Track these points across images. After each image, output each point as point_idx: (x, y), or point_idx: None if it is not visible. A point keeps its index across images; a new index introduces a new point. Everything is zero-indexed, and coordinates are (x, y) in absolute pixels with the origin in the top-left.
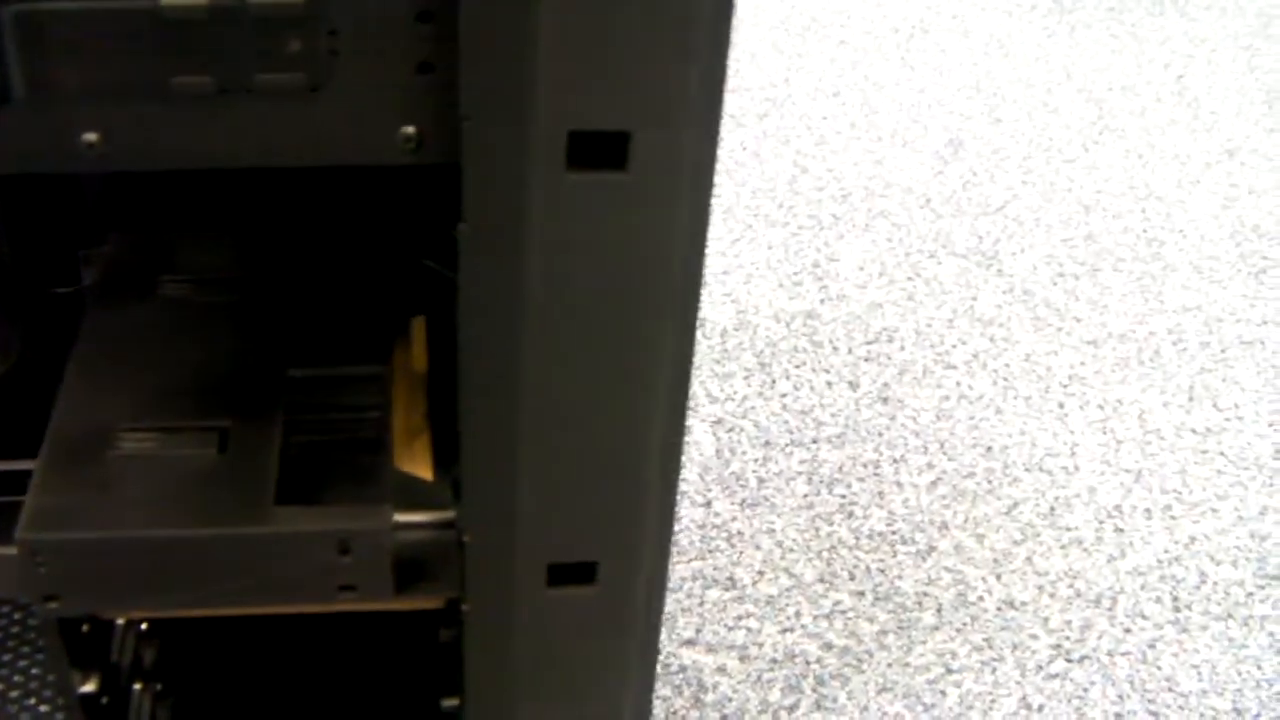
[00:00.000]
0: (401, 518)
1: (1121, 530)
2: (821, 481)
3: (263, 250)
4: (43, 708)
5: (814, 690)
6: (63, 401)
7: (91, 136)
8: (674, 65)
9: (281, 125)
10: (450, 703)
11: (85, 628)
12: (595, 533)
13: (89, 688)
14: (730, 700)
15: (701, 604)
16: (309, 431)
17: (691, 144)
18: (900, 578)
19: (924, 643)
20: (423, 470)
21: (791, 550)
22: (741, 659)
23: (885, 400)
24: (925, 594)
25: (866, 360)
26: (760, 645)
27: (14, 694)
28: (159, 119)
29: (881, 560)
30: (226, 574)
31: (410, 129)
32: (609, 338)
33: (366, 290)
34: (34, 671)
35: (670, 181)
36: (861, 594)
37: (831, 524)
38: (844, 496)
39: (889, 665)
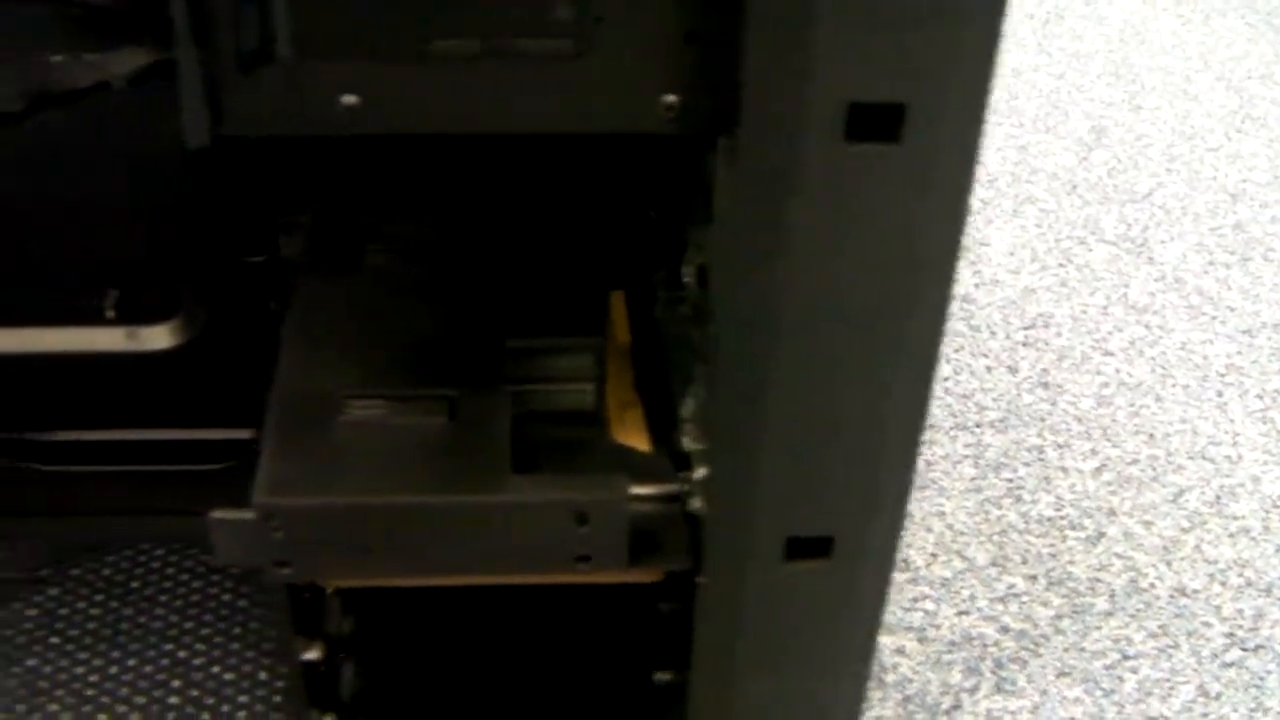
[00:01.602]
0: (636, 490)
1: None
2: (988, 465)
3: (462, 220)
4: (261, 674)
5: (993, 673)
6: (284, 369)
7: (351, 99)
8: (950, 36)
9: (542, 91)
10: (664, 675)
11: (306, 595)
12: (834, 507)
13: (312, 655)
14: (911, 681)
15: None
16: (528, 401)
17: (962, 117)
18: (1072, 563)
19: (1099, 628)
20: (639, 442)
21: (963, 534)
22: (920, 640)
23: (1045, 385)
24: (1097, 580)
25: (1024, 345)
26: (938, 627)
27: (217, 666)
28: (419, 83)
29: (1052, 545)
30: (462, 542)
31: (672, 98)
32: (867, 310)
33: (568, 260)
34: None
35: (941, 154)
36: (1034, 578)
37: (1000, 508)
38: (1010, 481)
39: (1065, 650)
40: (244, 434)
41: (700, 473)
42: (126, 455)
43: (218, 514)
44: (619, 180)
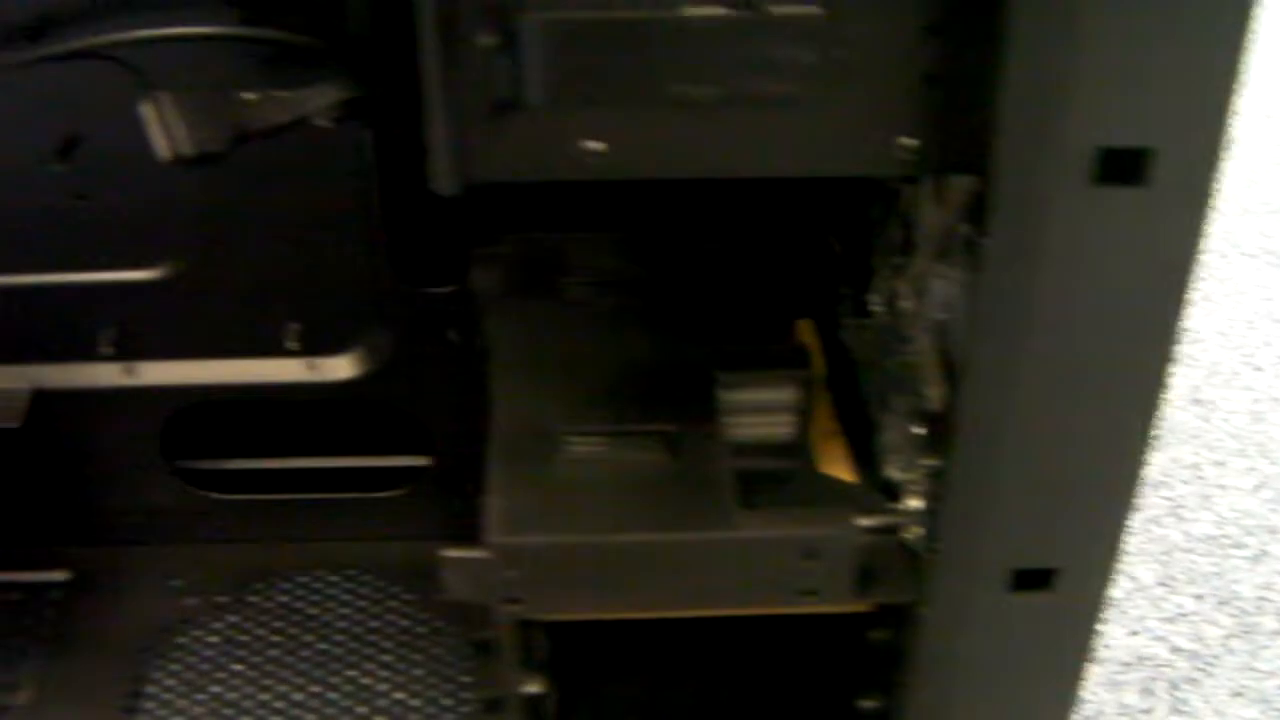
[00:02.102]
0: (860, 523)
1: None
2: (1148, 483)
3: (651, 251)
4: (445, 700)
5: (1169, 694)
6: (498, 404)
7: (595, 145)
8: (1197, 83)
9: (781, 135)
10: (869, 703)
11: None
12: (1060, 539)
13: (533, 689)
14: (1088, 702)
15: None
16: (736, 432)
17: (1205, 159)
18: (1237, 581)
19: (1268, 647)
20: (843, 472)
21: (1128, 553)
22: (1094, 661)
23: (1198, 402)
24: (1264, 599)
25: (1174, 361)
26: (1110, 648)
27: (400, 692)
28: (662, 128)
29: (1216, 564)
30: (689, 577)
31: (910, 141)
32: (1106, 348)
33: (757, 289)
34: (415, 670)
35: (1184, 195)
36: (1201, 597)
37: (1162, 526)
38: (1170, 499)
39: (1237, 670)
40: (420, 461)
41: (913, 503)
42: (304, 483)
43: (451, 552)
44: (801, 209)
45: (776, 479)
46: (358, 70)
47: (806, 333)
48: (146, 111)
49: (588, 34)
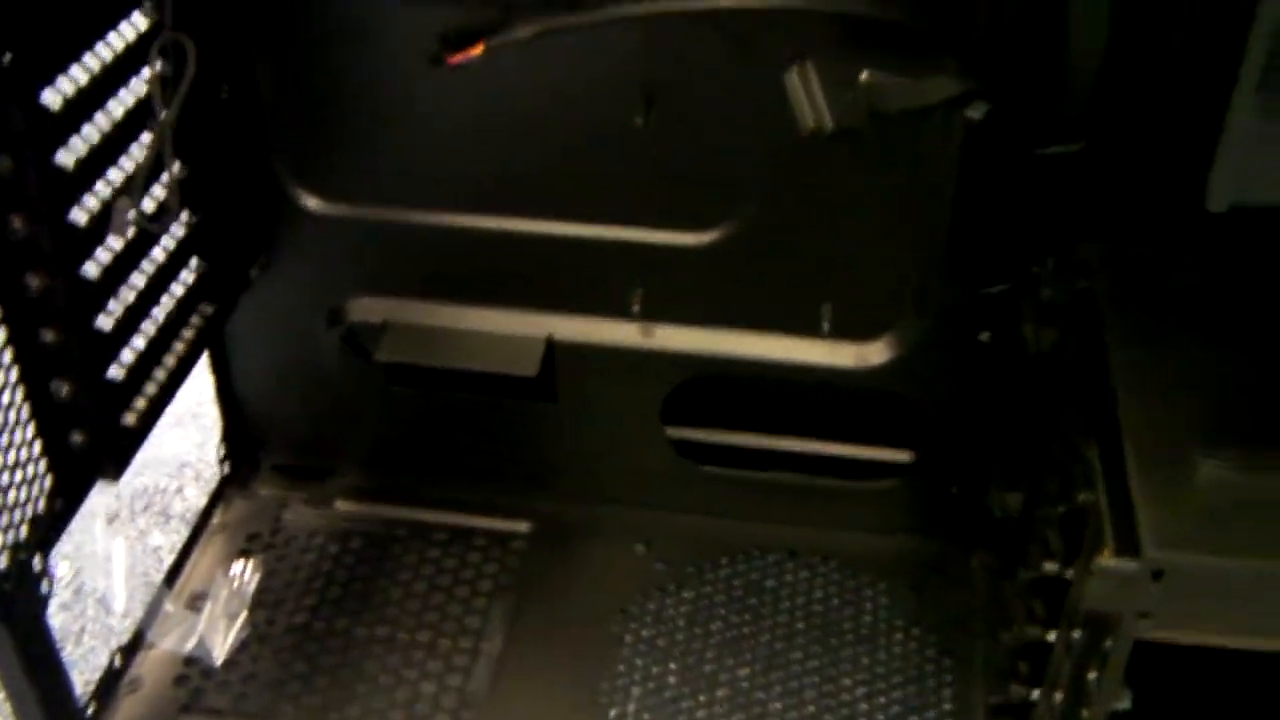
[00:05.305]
0: None
1: None
2: None
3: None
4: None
5: None
6: (1130, 414)
7: None
8: None
9: None
10: None
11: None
12: None
13: (1123, 705)
14: None
15: None
16: None
17: None
18: None
19: None
20: None
21: None
22: None
23: None
24: None
25: None
26: None
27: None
28: None
29: None
30: None
31: None
32: None
33: None
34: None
35: None
36: None
37: None
38: None
39: None
40: (902, 456)
41: None
42: (785, 464)
43: (1105, 561)
44: None
45: None
46: (971, 62)
47: None
48: (792, 82)
49: None
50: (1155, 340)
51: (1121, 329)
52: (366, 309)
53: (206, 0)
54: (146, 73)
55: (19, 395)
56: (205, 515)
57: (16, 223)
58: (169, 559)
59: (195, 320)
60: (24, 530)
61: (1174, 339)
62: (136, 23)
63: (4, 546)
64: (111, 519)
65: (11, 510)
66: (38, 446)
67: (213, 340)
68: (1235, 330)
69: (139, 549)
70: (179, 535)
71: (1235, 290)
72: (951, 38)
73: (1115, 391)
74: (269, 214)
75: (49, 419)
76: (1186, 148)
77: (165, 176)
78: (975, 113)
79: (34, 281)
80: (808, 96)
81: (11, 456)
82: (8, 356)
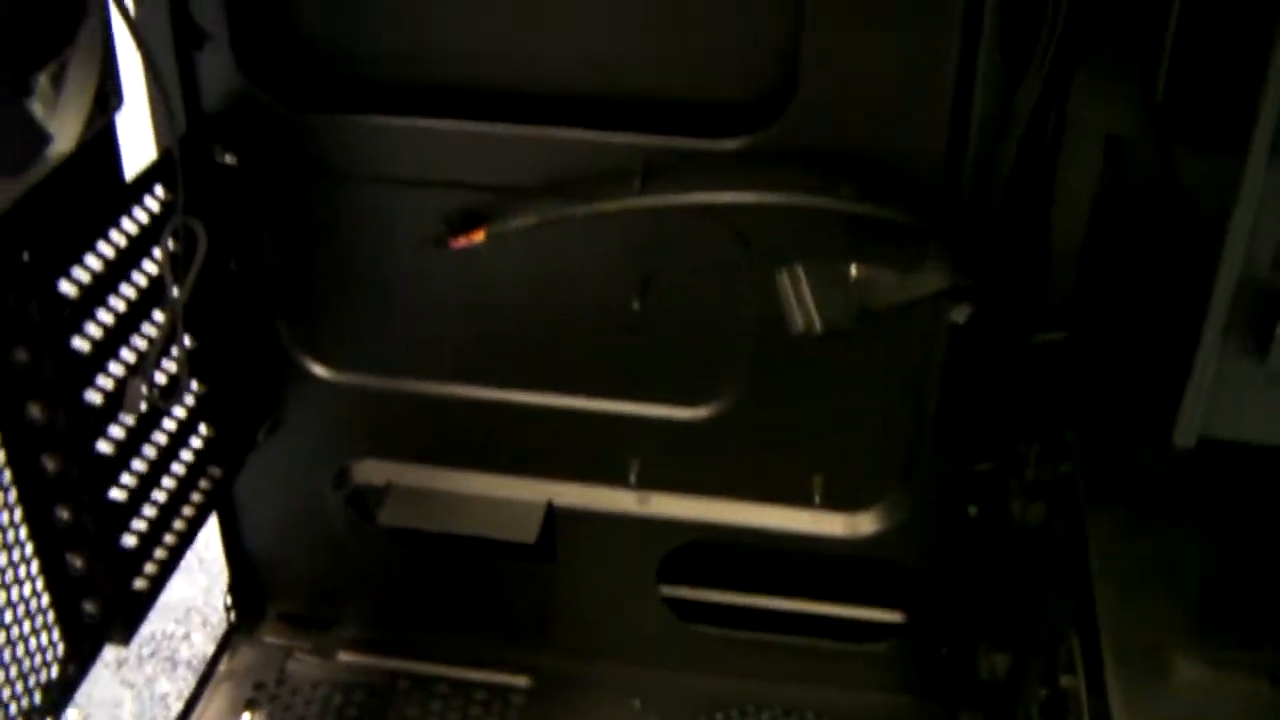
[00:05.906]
0: None
1: None
2: None
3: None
4: None
5: None
6: (1104, 605)
7: None
8: None
9: None
10: None
11: None
12: None
13: None
14: None
15: None
16: None
17: None
18: None
19: None
20: None
21: None
22: None
23: None
24: None
25: None
26: None
27: None
28: None
29: None
30: None
31: None
32: None
33: None
34: None
35: None
36: None
37: None
38: None
39: None
40: (893, 617)
41: None
42: (779, 624)
43: None
44: None
45: None
46: (958, 258)
47: None
48: (782, 284)
49: None
50: (1135, 532)
51: (1101, 521)
52: (371, 472)
53: (217, 183)
54: (158, 253)
55: (34, 569)
56: (212, 663)
57: (34, 410)
58: (176, 706)
59: (204, 484)
60: (37, 696)
61: (1154, 530)
62: (150, 205)
63: (18, 713)
64: (120, 665)
65: (25, 678)
66: (51, 616)
67: (221, 499)
68: (1214, 522)
69: (146, 696)
70: (185, 683)
71: (1215, 480)
72: (941, 231)
73: (1093, 586)
74: (276, 379)
75: (63, 591)
76: (1161, 362)
77: (175, 350)
78: (959, 316)
79: (49, 464)
80: (797, 299)
81: (26, 627)
82: (24, 533)
